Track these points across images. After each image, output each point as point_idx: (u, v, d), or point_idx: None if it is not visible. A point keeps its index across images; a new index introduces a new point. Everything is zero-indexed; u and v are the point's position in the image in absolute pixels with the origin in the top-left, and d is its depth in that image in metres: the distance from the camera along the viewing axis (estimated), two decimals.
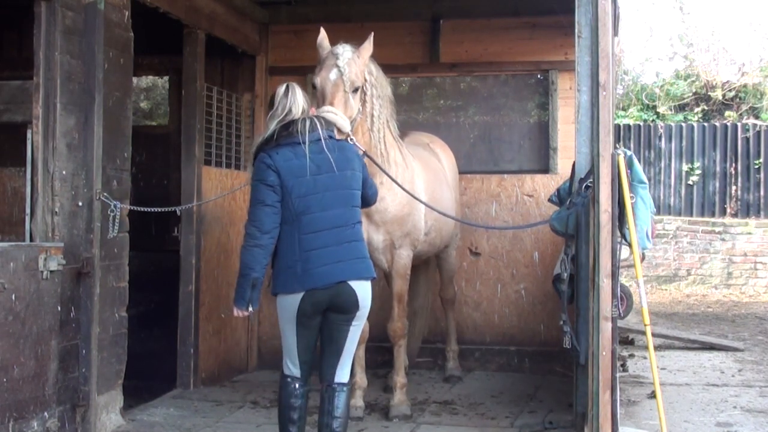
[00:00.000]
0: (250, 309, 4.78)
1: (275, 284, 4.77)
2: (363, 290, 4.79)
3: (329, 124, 4.99)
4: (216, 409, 6.74)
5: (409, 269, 6.57)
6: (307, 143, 4.71)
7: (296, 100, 4.86)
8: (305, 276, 4.65)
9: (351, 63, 5.80)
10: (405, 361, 6.84)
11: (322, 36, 6.05)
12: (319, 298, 4.68)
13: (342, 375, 4.89)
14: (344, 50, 5.86)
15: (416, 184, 6.51)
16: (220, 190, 7.75)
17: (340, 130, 5.34)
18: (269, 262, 4.76)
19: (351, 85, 5.77)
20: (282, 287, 4.72)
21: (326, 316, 4.79)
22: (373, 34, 6.03)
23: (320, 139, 4.75)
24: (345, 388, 4.89)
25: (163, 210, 5.94)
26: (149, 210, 5.85)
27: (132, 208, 5.99)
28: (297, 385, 4.81)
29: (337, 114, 5.55)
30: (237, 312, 4.80)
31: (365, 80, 5.98)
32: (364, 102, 5.99)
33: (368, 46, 5.99)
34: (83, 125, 5.57)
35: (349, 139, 5.37)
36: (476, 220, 8.26)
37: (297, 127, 4.74)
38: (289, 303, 4.70)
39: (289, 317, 4.74)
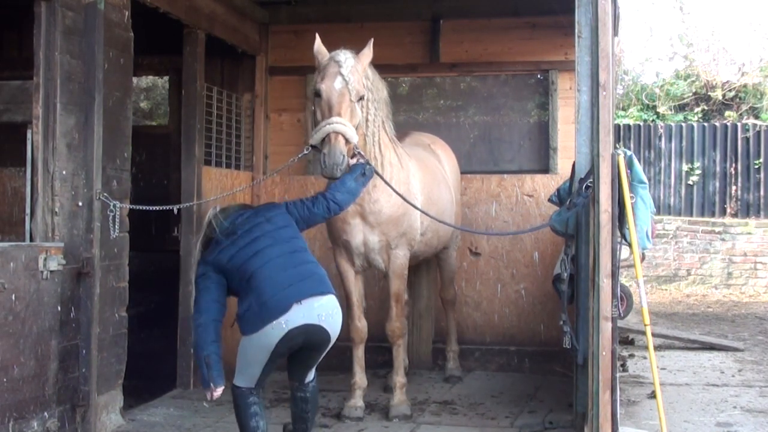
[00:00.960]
0: (217, 388, 4.92)
1: (241, 330, 5.01)
2: (333, 325, 5.05)
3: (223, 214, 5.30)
4: (216, 409, 6.73)
5: (407, 269, 6.57)
6: (221, 237, 5.18)
7: (209, 226, 5.28)
8: (265, 310, 4.87)
9: (354, 71, 5.81)
10: (405, 360, 6.85)
11: (319, 42, 6.02)
12: (294, 342, 4.94)
13: (310, 376, 5.33)
14: (346, 58, 5.85)
15: (412, 185, 6.50)
16: (220, 190, 7.75)
17: (348, 140, 5.59)
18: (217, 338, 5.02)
19: (356, 94, 5.79)
20: (248, 328, 4.94)
21: (299, 350, 5.08)
22: (372, 40, 6.01)
23: (229, 226, 5.20)
24: (312, 384, 5.33)
25: (162, 208, 5.93)
26: (148, 209, 5.84)
27: (132, 207, 5.99)
28: (252, 395, 5.09)
29: (346, 125, 5.64)
30: (208, 395, 4.97)
31: (364, 86, 5.96)
32: (364, 108, 6.00)
33: (368, 53, 5.99)
34: (83, 125, 5.57)
35: (354, 148, 5.68)
36: (476, 221, 8.26)
37: (211, 230, 5.24)
38: (257, 343, 4.92)
39: (259, 357, 4.97)
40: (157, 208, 5.92)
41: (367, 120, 6.04)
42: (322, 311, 4.98)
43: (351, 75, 5.77)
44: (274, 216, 5.32)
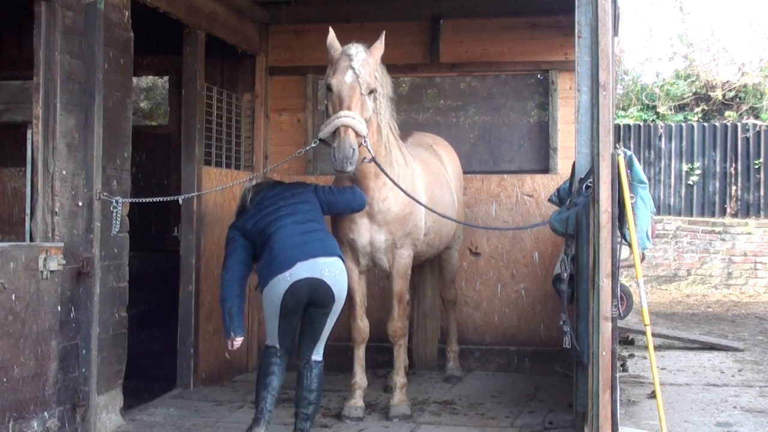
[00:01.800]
0: (237, 337, 5.49)
1: (260, 285, 5.57)
2: (337, 284, 5.54)
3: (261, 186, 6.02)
4: (216, 409, 6.73)
5: (410, 269, 6.57)
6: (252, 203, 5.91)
7: (242, 198, 6.06)
8: (273, 265, 5.46)
9: (365, 64, 5.82)
10: (405, 360, 6.85)
11: (332, 36, 6.03)
12: (299, 295, 5.43)
13: (317, 354, 5.69)
14: (357, 51, 5.86)
15: (416, 184, 6.51)
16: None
17: (357, 134, 5.64)
18: (243, 293, 5.66)
19: (367, 87, 5.81)
20: (262, 282, 5.51)
21: (306, 310, 5.55)
22: (384, 33, 6.02)
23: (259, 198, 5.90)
24: (319, 365, 5.69)
25: (165, 199, 6.05)
26: (152, 200, 5.93)
27: (133, 200, 6.00)
28: (278, 354, 5.58)
29: (355, 118, 5.66)
30: (229, 344, 5.53)
31: (376, 79, 5.97)
32: (376, 102, 6.00)
33: (379, 46, 6.00)
34: (83, 125, 5.57)
35: (363, 141, 5.70)
36: (476, 221, 8.25)
37: (243, 201, 6.01)
38: (270, 293, 5.46)
39: (273, 309, 5.51)
40: (160, 200, 6.01)
41: (378, 115, 6.05)
42: (326, 268, 5.48)
43: (362, 68, 5.78)
44: (299, 192, 5.90)
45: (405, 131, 7.42)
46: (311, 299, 5.46)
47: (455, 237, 7.55)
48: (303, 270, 5.39)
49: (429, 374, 7.87)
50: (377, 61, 5.97)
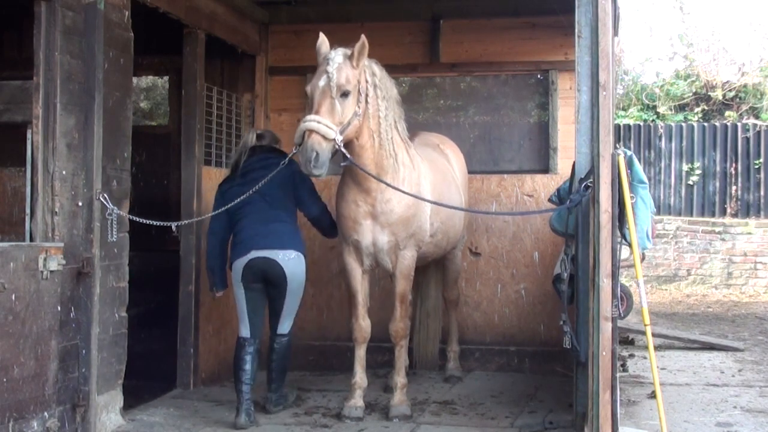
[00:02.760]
0: (218, 291, 6.69)
1: (230, 261, 6.52)
2: (289, 266, 6.33)
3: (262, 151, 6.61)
4: (216, 409, 6.73)
5: (413, 270, 6.57)
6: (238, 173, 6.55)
7: (239, 154, 6.70)
8: (235, 248, 6.41)
9: (341, 68, 5.86)
10: (406, 361, 6.86)
11: (321, 40, 6.09)
12: (254, 269, 6.31)
13: (282, 328, 6.53)
14: (336, 54, 5.94)
15: (422, 186, 6.50)
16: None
17: (325, 137, 5.72)
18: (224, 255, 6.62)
19: (338, 90, 5.83)
20: (231, 260, 6.48)
21: (267, 290, 6.42)
22: (363, 36, 6.00)
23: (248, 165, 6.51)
24: (282, 339, 6.54)
25: (162, 224, 6.04)
26: (147, 222, 5.91)
27: (131, 218, 5.99)
28: (247, 345, 6.37)
29: (321, 122, 5.73)
30: (212, 295, 6.82)
31: (367, 81, 6.01)
32: (366, 103, 6.02)
33: (362, 50, 5.97)
34: (83, 125, 5.57)
35: (337, 144, 5.78)
36: (476, 220, 8.25)
37: (238, 157, 6.65)
38: (234, 271, 6.41)
39: (236, 283, 6.41)
40: (158, 224, 6.02)
41: (378, 117, 6.10)
42: (279, 255, 6.30)
43: (336, 72, 5.84)
44: (279, 176, 6.22)
45: (413, 131, 7.43)
46: (266, 277, 6.34)
47: (460, 238, 7.55)
48: (257, 254, 6.29)
49: (429, 374, 7.87)
50: (360, 63, 5.97)
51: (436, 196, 6.62)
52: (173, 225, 6.25)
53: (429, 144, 7.38)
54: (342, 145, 5.82)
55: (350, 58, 5.93)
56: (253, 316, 6.41)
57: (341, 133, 5.80)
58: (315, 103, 5.85)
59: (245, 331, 6.39)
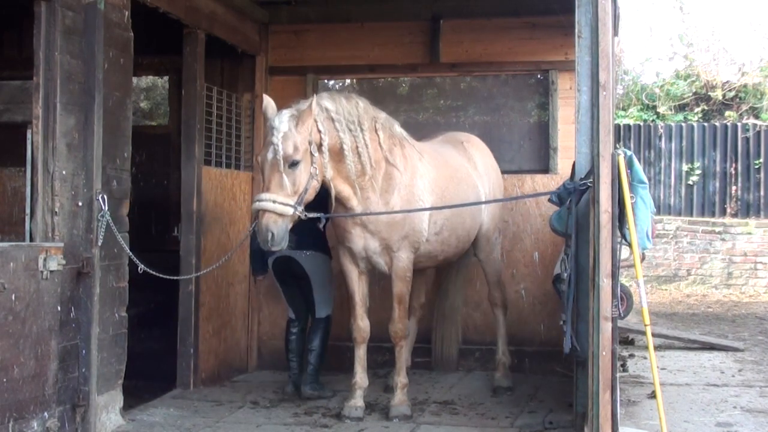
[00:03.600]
0: (257, 275, 7.59)
1: None
2: (307, 262, 7.00)
3: None
4: (216, 409, 6.73)
5: (410, 271, 6.56)
6: None
7: None
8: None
9: (287, 136, 5.73)
10: (407, 361, 6.86)
11: (266, 102, 5.98)
12: (281, 266, 7.08)
13: (318, 313, 7.16)
14: (280, 122, 5.78)
15: (416, 187, 6.48)
16: (219, 191, 7.76)
17: (281, 215, 5.69)
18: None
19: (286, 160, 5.71)
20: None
21: (298, 282, 7.16)
22: (314, 96, 5.94)
23: None
24: (321, 324, 7.15)
25: (162, 276, 5.93)
26: (147, 270, 5.72)
27: (131, 257, 5.87)
28: (291, 325, 7.29)
29: (275, 201, 5.68)
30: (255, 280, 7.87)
31: (319, 131, 5.89)
32: (323, 152, 5.92)
33: (308, 110, 5.83)
34: (83, 125, 5.57)
35: (298, 211, 5.77)
36: None
37: None
38: (271, 268, 7.19)
39: (274, 276, 7.28)
40: (157, 275, 5.83)
41: (342, 151, 6.02)
42: (296, 254, 6.89)
43: (281, 142, 5.71)
44: None
45: (442, 131, 7.65)
46: (292, 272, 7.08)
47: (491, 234, 7.44)
48: (281, 254, 6.78)
49: (429, 374, 7.85)
50: (308, 123, 5.82)
51: (439, 193, 6.61)
52: (176, 278, 6.53)
53: (451, 142, 7.40)
54: (303, 212, 5.79)
55: (297, 120, 5.80)
56: (292, 303, 7.28)
57: (300, 203, 5.77)
58: (265, 178, 5.78)
59: (291, 314, 7.31)
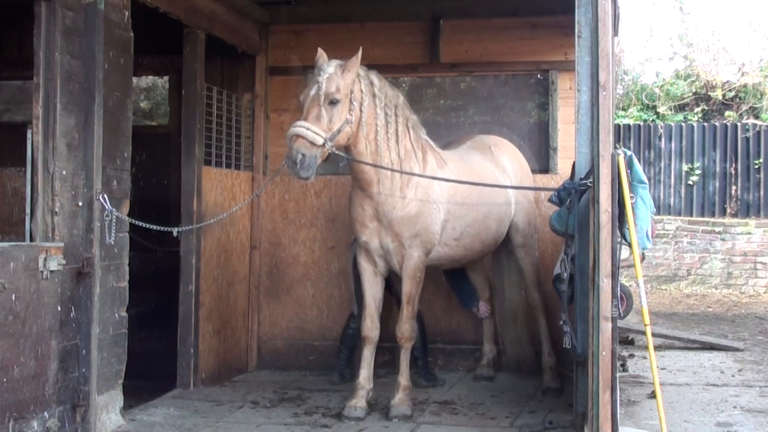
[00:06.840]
0: (472, 308, 7.92)
1: None
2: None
3: None
4: (216, 409, 6.74)
5: (420, 271, 6.57)
6: None
7: None
8: None
9: (332, 77, 6.07)
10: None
11: (319, 54, 6.32)
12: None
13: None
14: (328, 66, 6.16)
15: (432, 191, 6.54)
16: (219, 191, 7.76)
17: (312, 143, 5.90)
18: None
19: (327, 98, 6.03)
20: None
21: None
22: (361, 48, 6.23)
23: None
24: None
25: (162, 229, 6.10)
26: (148, 227, 5.95)
27: (131, 221, 6.00)
28: (352, 321, 7.63)
29: (309, 128, 5.93)
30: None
31: (362, 91, 6.20)
32: (360, 112, 6.20)
33: (355, 61, 6.20)
34: (83, 125, 5.57)
35: (329, 147, 5.98)
36: None
37: None
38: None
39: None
40: (158, 228, 6.06)
41: (376, 125, 6.29)
42: None
43: (325, 81, 6.06)
44: None
45: (471, 134, 7.72)
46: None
47: (526, 237, 7.47)
48: None
49: (444, 377, 7.80)
50: (352, 73, 6.17)
51: (458, 202, 6.69)
52: (175, 230, 6.35)
53: (478, 148, 7.43)
54: (334, 149, 6.02)
55: (343, 68, 6.12)
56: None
57: (331, 139, 6.00)
58: (304, 110, 6.05)
59: (355, 310, 7.58)
